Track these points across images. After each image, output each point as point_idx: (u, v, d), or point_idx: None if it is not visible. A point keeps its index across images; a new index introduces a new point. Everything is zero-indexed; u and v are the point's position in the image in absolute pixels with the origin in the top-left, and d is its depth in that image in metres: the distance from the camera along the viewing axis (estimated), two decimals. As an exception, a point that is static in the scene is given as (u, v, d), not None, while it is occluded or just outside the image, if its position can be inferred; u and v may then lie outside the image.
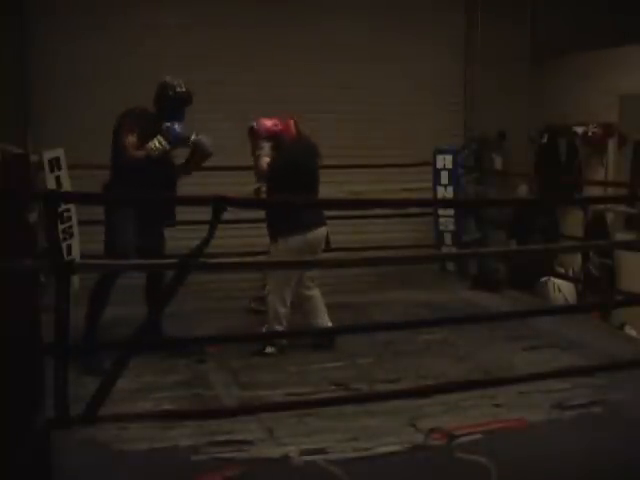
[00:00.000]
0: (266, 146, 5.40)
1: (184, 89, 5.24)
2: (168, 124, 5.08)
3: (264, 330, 5.47)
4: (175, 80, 5.25)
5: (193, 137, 5.25)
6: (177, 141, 5.15)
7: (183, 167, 5.48)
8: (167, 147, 5.09)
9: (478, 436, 4.00)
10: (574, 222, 7.94)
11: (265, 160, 5.38)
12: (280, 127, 5.41)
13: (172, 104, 5.21)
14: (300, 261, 5.22)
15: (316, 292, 5.59)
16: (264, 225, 6.60)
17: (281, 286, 5.39)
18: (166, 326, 5.29)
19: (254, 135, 5.50)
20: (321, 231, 5.47)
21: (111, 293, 5.10)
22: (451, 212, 7.75)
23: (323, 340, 5.52)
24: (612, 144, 7.88)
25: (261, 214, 6.43)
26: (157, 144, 5.04)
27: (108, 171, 5.30)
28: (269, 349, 5.34)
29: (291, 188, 5.22)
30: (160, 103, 5.24)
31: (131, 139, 5.06)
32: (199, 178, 6.40)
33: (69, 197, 4.85)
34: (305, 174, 5.44)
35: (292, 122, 5.48)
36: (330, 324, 5.58)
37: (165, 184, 5.18)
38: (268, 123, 5.43)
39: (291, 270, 5.38)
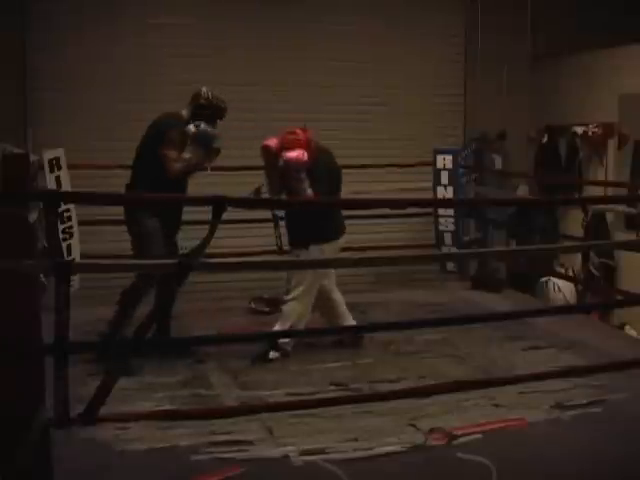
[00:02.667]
0: (303, 176, 5.20)
1: (222, 103, 5.28)
2: (200, 128, 5.10)
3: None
4: (212, 91, 5.27)
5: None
6: (209, 144, 5.18)
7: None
8: (202, 153, 5.14)
9: (478, 436, 4.01)
10: (574, 222, 7.93)
11: (310, 191, 5.20)
12: (307, 155, 5.19)
13: (207, 114, 5.22)
14: (300, 260, 5.20)
15: (339, 295, 5.58)
16: (263, 225, 6.60)
17: (311, 292, 5.32)
18: (173, 327, 5.33)
19: (285, 165, 5.25)
20: (344, 237, 5.49)
21: (144, 299, 5.04)
22: (451, 212, 7.75)
23: (349, 338, 5.56)
24: (612, 144, 7.88)
25: (262, 214, 6.45)
26: (191, 154, 5.08)
27: (129, 173, 5.25)
28: (273, 354, 5.26)
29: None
30: (195, 112, 5.22)
31: (174, 154, 5.06)
32: (198, 178, 6.41)
33: (69, 197, 4.85)
34: (337, 181, 5.44)
35: (309, 133, 5.30)
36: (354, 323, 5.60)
37: (180, 189, 5.19)
38: (297, 155, 5.17)
39: (320, 275, 5.32)
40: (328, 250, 5.24)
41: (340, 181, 5.51)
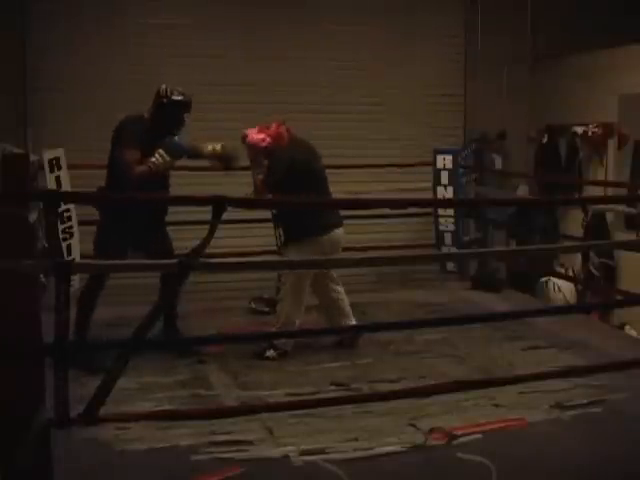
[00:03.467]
0: (259, 161, 5.23)
1: (181, 96, 5.10)
2: (169, 137, 5.01)
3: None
4: (171, 87, 5.10)
5: (213, 147, 5.21)
6: (179, 154, 5.05)
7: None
8: (169, 160, 4.97)
9: (478, 436, 4.01)
10: (574, 222, 7.94)
11: (259, 178, 5.22)
12: (269, 141, 5.22)
13: (168, 112, 5.08)
14: (300, 261, 5.19)
15: (342, 294, 5.57)
16: (263, 225, 6.62)
17: (297, 291, 5.29)
18: (180, 326, 5.37)
19: (251, 151, 5.35)
20: (337, 233, 5.34)
21: (99, 295, 5.07)
22: (451, 212, 7.75)
23: (347, 339, 5.54)
24: (612, 144, 7.88)
25: (261, 214, 6.45)
26: (159, 159, 4.92)
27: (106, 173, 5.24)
28: (270, 353, 5.25)
29: (299, 193, 5.07)
30: (156, 111, 5.09)
31: (133, 155, 4.92)
32: (197, 178, 6.41)
33: (69, 197, 4.85)
34: (308, 176, 5.26)
35: (283, 128, 5.29)
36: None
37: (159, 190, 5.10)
38: (258, 138, 5.23)
39: (304, 274, 5.26)
40: (310, 248, 5.14)
41: (319, 178, 5.39)
